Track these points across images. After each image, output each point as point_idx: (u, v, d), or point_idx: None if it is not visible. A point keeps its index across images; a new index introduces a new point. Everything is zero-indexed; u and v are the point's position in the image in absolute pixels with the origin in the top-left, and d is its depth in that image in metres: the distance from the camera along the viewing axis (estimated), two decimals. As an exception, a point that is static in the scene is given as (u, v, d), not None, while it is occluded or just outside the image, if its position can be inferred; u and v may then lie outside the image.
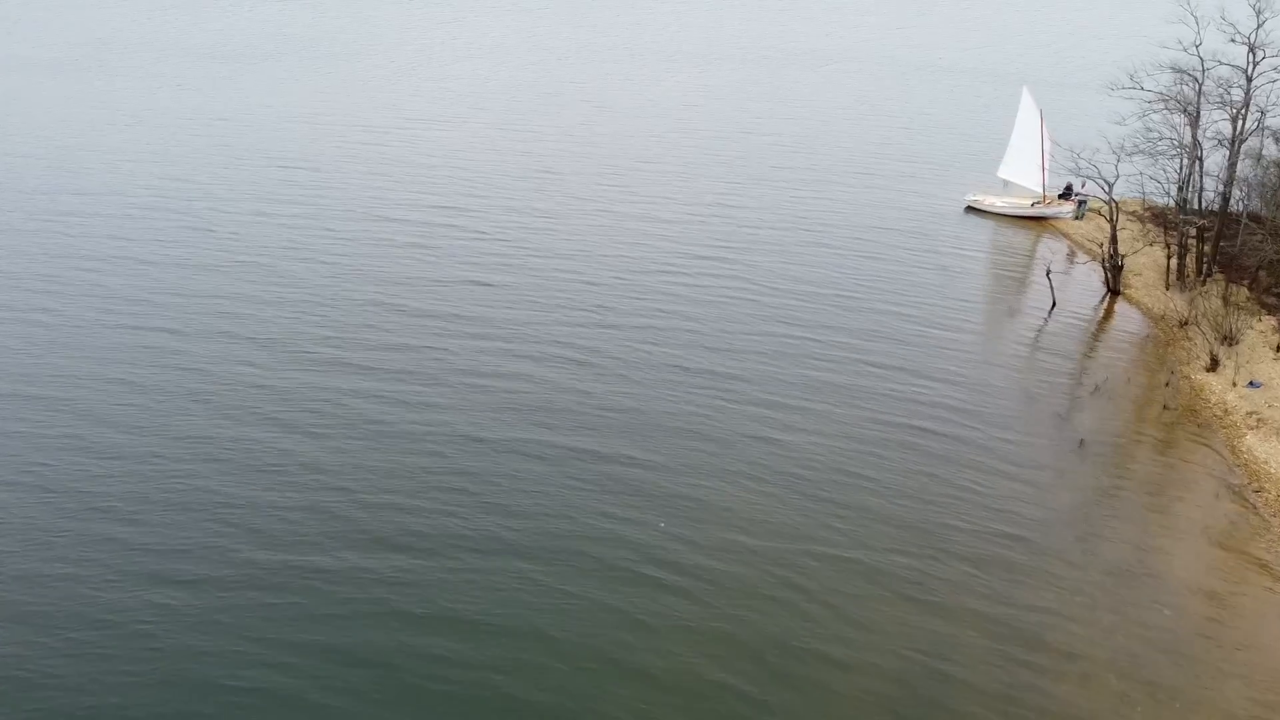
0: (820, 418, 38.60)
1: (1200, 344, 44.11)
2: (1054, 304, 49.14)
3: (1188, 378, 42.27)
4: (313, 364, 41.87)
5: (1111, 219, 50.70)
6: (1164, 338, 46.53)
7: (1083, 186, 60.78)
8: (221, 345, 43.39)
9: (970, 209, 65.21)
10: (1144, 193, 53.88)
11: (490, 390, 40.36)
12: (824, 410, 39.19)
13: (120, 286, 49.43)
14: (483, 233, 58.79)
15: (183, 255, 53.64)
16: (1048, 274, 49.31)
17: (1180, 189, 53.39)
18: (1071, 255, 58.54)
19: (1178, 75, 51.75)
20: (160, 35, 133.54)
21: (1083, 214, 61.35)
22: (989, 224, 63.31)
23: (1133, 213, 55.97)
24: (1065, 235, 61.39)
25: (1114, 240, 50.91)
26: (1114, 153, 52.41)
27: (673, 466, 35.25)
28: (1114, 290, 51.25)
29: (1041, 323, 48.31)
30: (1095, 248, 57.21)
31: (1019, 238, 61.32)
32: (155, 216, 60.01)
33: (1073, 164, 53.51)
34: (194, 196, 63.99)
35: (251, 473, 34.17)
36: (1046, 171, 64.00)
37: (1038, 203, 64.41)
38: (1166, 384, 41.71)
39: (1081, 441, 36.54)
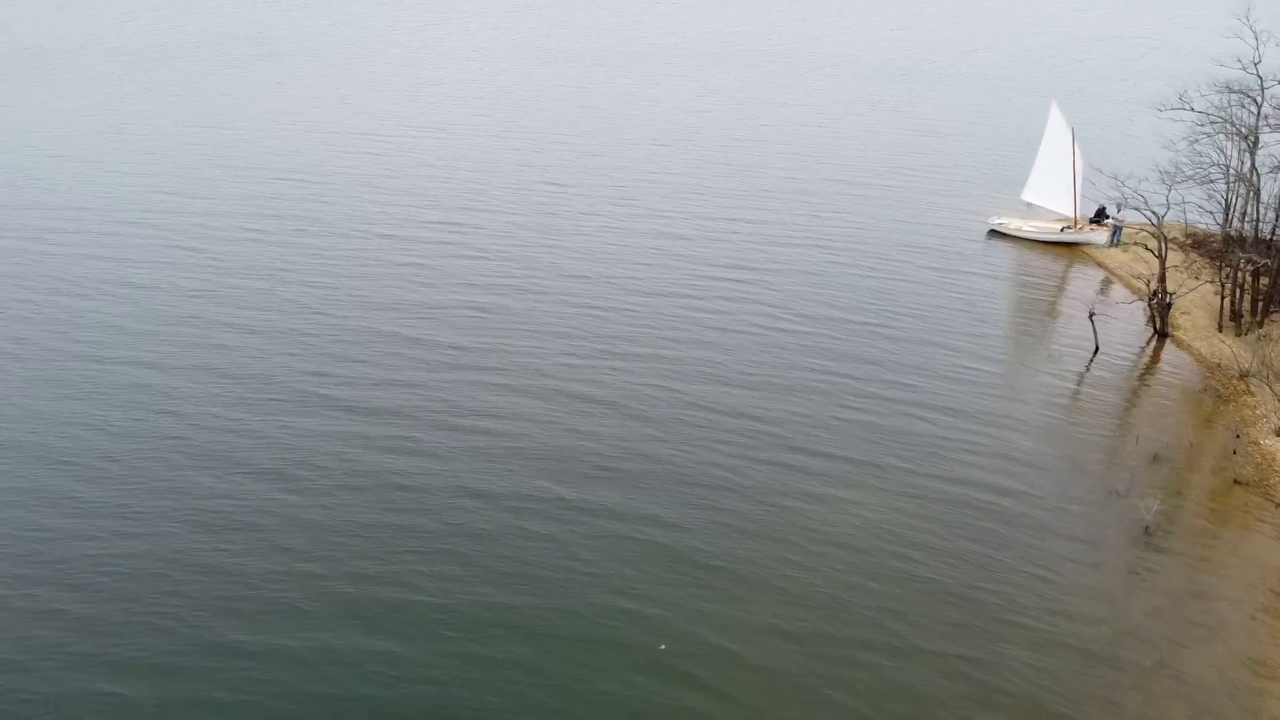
0: (856, 468, 34.58)
1: (1266, 401, 39.21)
2: (1096, 348, 44.19)
3: (1256, 443, 37.30)
4: (295, 403, 37.68)
5: (1160, 254, 45.69)
6: (1222, 391, 41.56)
7: (1118, 211, 55.94)
8: (197, 382, 39.38)
9: (994, 233, 60.19)
10: (1185, 217, 48.98)
11: (491, 433, 36.20)
12: (860, 461, 35.05)
13: (89, 311, 45.34)
14: (481, 251, 54.31)
15: (159, 279, 49.20)
16: (1090, 316, 44.30)
17: (1231, 219, 48.51)
18: (1107, 286, 53.55)
19: (1233, 95, 46.79)
20: (127, 37, 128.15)
21: (1118, 241, 56.27)
22: (1015, 250, 58.34)
23: (1173, 239, 50.88)
24: (1099, 264, 56.37)
25: (1162, 278, 45.88)
26: (1162, 179, 47.44)
27: (694, 527, 31.18)
28: (1161, 333, 46.27)
29: (1083, 369, 43.35)
30: (1133, 280, 52.23)
31: (1049, 266, 56.35)
32: (130, 235, 55.41)
33: (1115, 191, 48.66)
34: (173, 212, 59.27)
35: (225, 532, 30.39)
36: (1078, 195, 58.94)
37: (1068, 228, 59.39)
38: (1234, 451, 36.74)
39: (1147, 528, 31.52)
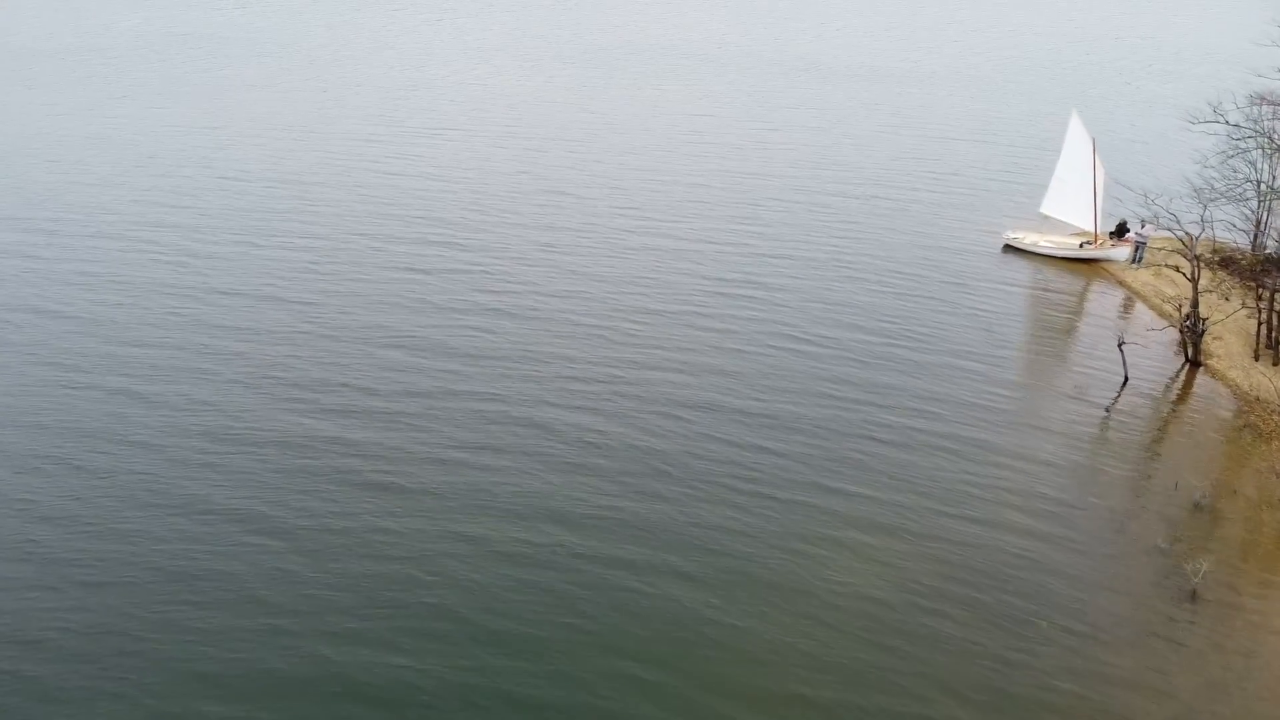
0: (879, 508, 32.43)
1: (1312, 439, 36.93)
2: (1126, 379, 41.81)
3: (1302, 486, 34.96)
4: (275, 438, 34.82)
5: (1193, 277, 43.32)
6: (1261, 427, 39.17)
7: (1142, 228, 53.56)
8: (168, 412, 36.54)
9: (1009, 248, 57.75)
10: (1213, 233, 46.71)
11: (487, 469, 33.84)
12: (883, 500, 32.90)
13: (69, 333, 42.55)
14: (475, 269, 51.71)
15: (135, 298, 46.50)
16: (1120, 345, 41.84)
17: (1265, 237, 46.24)
18: (1130, 307, 51.19)
19: (1270, 107, 44.48)
20: (115, 37, 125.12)
21: (1141, 259, 53.86)
22: (1032, 266, 55.89)
23: (1199, 256, 48.46)
24: (1121, 283, 53.95)
25: (1195, 303, 43.51)
26: (1195, 196, 45.12)
27: (707, 579, 28.99)
28: (1194, 361, 43.91)
29: (1112, 399, 40.95)
30: (1160, 302, 49.84)
31: (1069, 284, 53.93)
32: (116, 248, 52.74)
33: (1140, 207, 46.38)
34: (155, 224, 56.45)
35: (194, 581, 27.72)
36: (1099, 209, 56.55)
37: (1088, 243, 56.98)
38: (1280, 497, 34.41)
39: (1194, 593, 29.10)
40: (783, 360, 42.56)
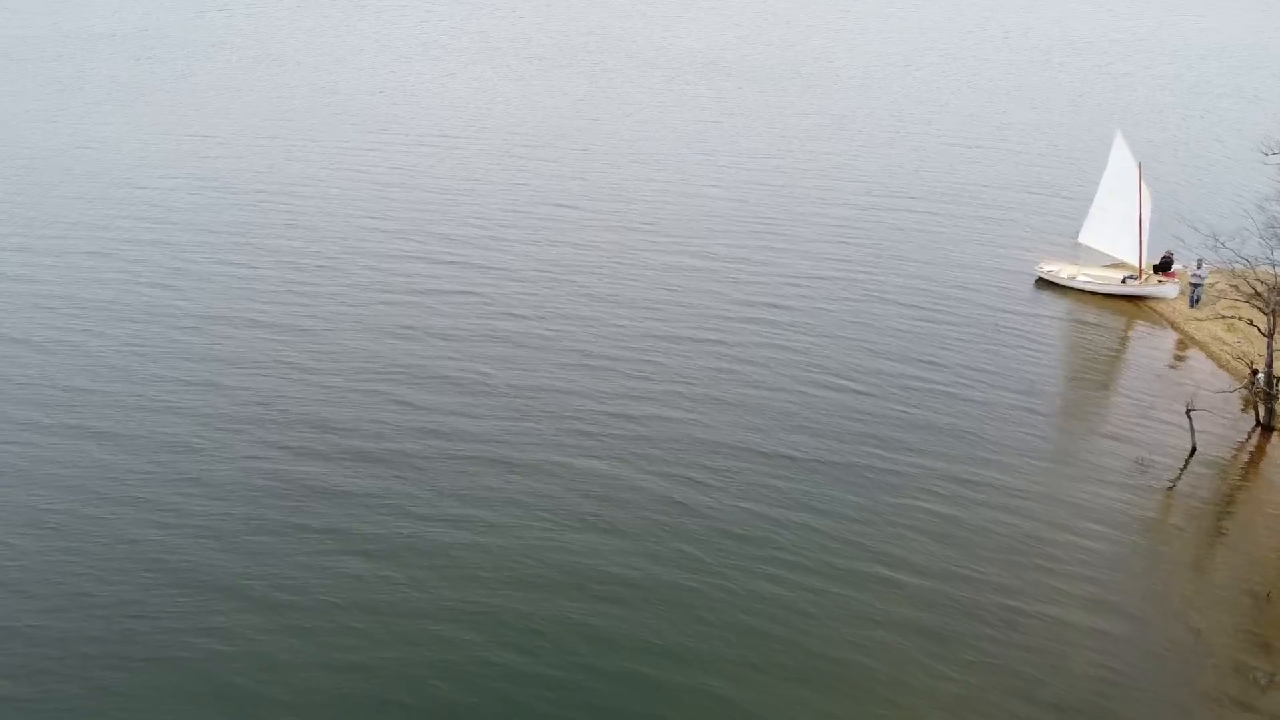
0: (938, 615, 26.97)
1: None
2: (1193, 449, 35.76)
3: None
4: (257, 494, 30.60)
5: (1269, 332, 37.25)
6: (1355, 510, 33.15)
7: (1199, 267, 47.47)
8: (144, 457, 32.83)
9: (1043, 282, 51.71)
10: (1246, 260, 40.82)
11: (486, 527, 29.83)
12: (941, 609, 27.37)
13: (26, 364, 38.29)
14: (477, 294, 46.94)
15: (107, 327, 42.01)
16: (1188, 412, 35.76)
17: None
18: (1184, 354, 45.13)
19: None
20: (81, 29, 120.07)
21: (1198, 300, 47.65)
22: (1069, 304, 49.90)
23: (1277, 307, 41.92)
24: (1172, 324, 47.80)
25: (1270, 361, 37.45)
26: (1270, 234, 39.10)
27: (744, 671, 24.23)
28: (1266, 426, 37.83)
29: (1176, 475, 34.92)
30: (1219, 349, 43.76)
31: (1113, 326, 47.91)
32: (79, 267, 48.39)
33: (1209, 248, 40.44)
34: (145, 241, 52.02)
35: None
36: (1144, 241, 50.45)
37: (1131, 278, 50.85)
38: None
39: (1263, 692, 23.43)
40: (821, 403, 38.20)
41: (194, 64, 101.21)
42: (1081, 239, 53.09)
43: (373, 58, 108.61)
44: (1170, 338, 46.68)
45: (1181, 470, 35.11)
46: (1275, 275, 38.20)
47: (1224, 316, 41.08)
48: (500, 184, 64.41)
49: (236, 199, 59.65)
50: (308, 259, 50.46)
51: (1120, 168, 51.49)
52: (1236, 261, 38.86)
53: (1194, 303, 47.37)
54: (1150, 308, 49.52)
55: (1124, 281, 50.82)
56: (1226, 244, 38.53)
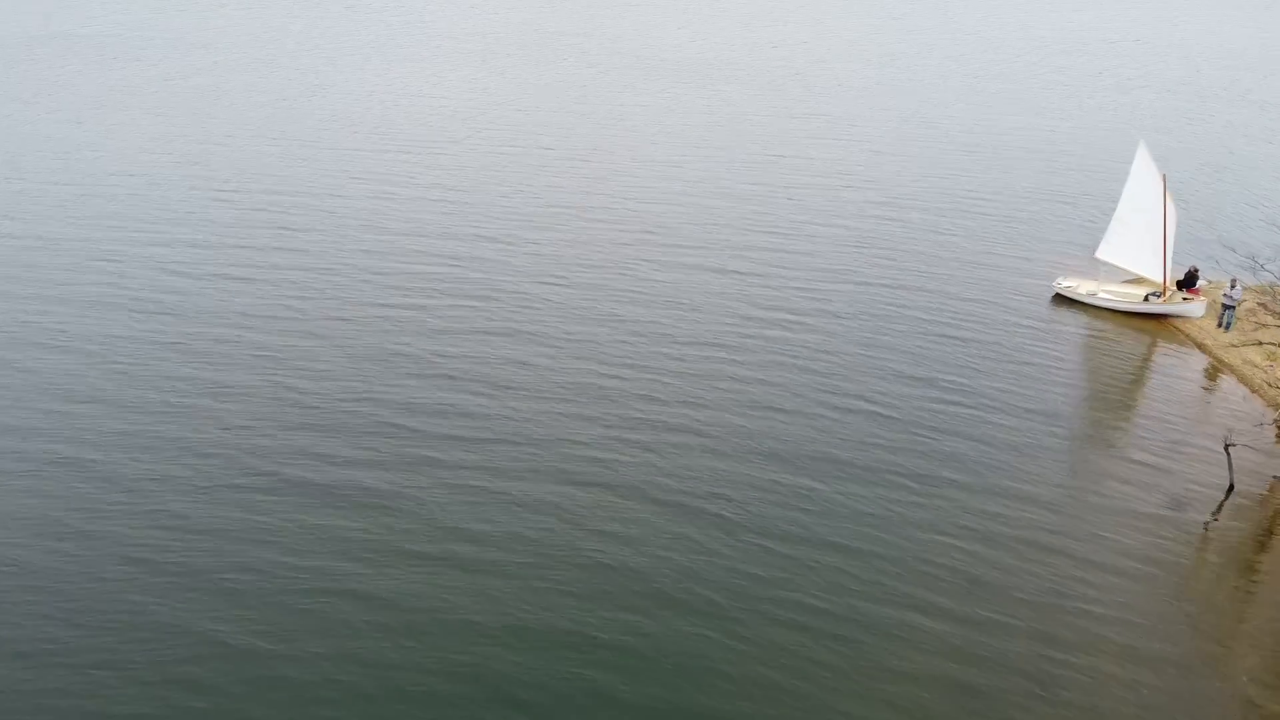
0: (976, 670, 24.22)
1: None
2: (1231, 486, 33.84)
3: None
4: (251, 535, 27.36)
5: (1311, 360, 35.40)
6: (1404, 554, 31.28)
7: (1232, 288, 45.57)
8: (139, 483, 30.15)
9: (1060, 298, 49.80)
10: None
11: (494, 570, 27.14)
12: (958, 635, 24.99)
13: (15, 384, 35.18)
14: (473, 308, 44.84)
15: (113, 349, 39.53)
16: (1226, 448, 33.85)
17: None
18: (1213, 378, 43.23)
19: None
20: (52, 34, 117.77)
21: (1229, 323, 45.73)
22: (1088, 321, 47.99)
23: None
24: (1200, 345, 45.86)
25: (1313, 392, 35.61)
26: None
27: None
28: (1306, 460, 35.94)
29: (1213, 513, 32.99)
30: (1250, 372, 41.87)
31: (1136, 346, 45.97)
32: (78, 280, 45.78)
33: (1247, 268, 38.56)
34: (131, 249, 49.77)
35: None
36: (1169, 257, 48.55)
37: (1155, 295, 48.95)
38: None
39: None
40: (824, 426, 36.17)
41: (181, 66, 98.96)
42: (1099, 254, 51.14)
43: (371, 58, 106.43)
44: (1198, 360, 44.76)
45: (1219, 508, 33.20)
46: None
47: (1263, 344, 39.13)
48: (501, 189, 62.32)
49: (224, 204, 57.51)
50: (299, 267, 48.41)
51: (1143, 179, 49.56)
52: (1272, 279, 36.90)
53: (1226, 326, 45.40)
54: (1175, 327, 47.61)
55: (1147, 299, 48.92)
56: (1266, 266, 36.55)
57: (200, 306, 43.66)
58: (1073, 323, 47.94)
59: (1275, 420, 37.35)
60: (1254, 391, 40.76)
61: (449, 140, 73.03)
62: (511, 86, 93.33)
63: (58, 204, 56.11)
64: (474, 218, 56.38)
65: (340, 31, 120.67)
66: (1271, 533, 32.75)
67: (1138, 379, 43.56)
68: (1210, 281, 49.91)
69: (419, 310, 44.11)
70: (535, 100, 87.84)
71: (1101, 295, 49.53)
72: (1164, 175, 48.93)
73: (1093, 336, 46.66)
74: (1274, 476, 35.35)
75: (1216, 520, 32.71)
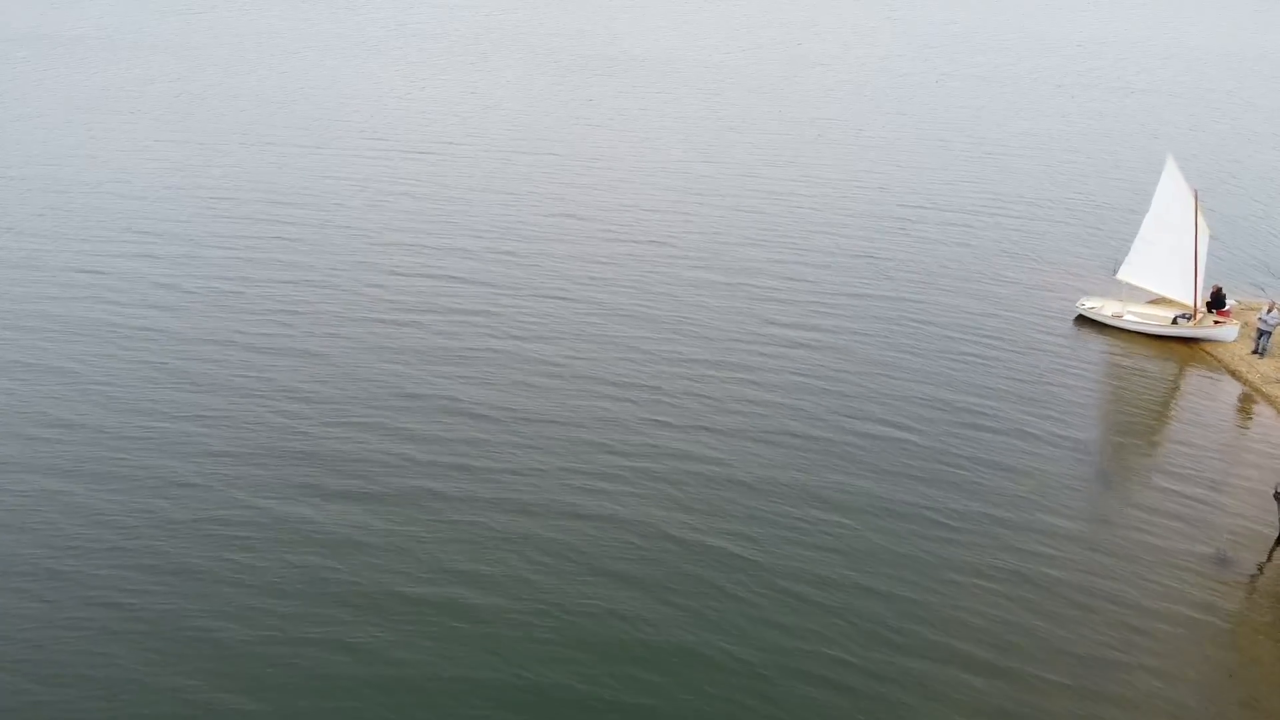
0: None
1: None
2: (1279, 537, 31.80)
3: None
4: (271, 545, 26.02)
5: (1365, 395, 33.36)
6: None
7: (1268, 312, 43.57)
8: (137, 495, 27.97)
9: (1083, 319, 47.73)
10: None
11: (507, 590, 25.78)
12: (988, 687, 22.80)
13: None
14: (480, 315, 43.20)
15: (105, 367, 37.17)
16: (1276, 495, 31.71)
17: None
18: (1247, 409, 41.21)
19: None
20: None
21: (1264, 349, 43.73)
22: (1113, 345, 45.90)
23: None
24: (1233, 372, 43.81)
25: (1365, 427, 33.55)
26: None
27: None
28: (1357, 501, 33.80)
29: (1257, 571, 30.86)
30: (1287, 402, 39.92)
31: (1166, 371, 43.91)
32: (68, 287, 42.81)
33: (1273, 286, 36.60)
34: (122, 257, 47.65)
35: None
36: (1200, 278, 46.52)
37: (1184, 317, 46.91)
38: None
39: None
40: (846, 453, 34.13)
41: (165, 69, 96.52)
42: (1121, 275, 48.87)
43: (368, 59, 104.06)
44: (1232, 388, 42.70)
45: (1267, 560, 31.11)
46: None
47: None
48: (502, 194, 60.16)
49: (208, 213, 55.18)
50: (287, 281, 46.12)
51: (1172, 195, 47.46)
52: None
53: (1262, 352, 43.39)
54: (1207, 352, 45.57)
55: (1175, 321, 46.88)
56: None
57: (184, 322, 41.38)
58: (1098, 346, 45.85)
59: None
60: (1292, 422, 38.79)
61: (445, 142, 70.83)
62: (511, 88, 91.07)
63: (35, 213, 53.75)
64: (472, 229, 54.17)
65: (332, 34, 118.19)
66: (1321, 580, 30.74)
67: (1171, 408, 41.47)
68: (1239, 302, 47.94)
69: (415, 329, 41.87)
70: (534, 104, 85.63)
71: (1128, 317, 47.45)
72: (1195, 191, 46.89)
73: (1120, 361, 44.57)
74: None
75: (1264, 572, 30.61)
